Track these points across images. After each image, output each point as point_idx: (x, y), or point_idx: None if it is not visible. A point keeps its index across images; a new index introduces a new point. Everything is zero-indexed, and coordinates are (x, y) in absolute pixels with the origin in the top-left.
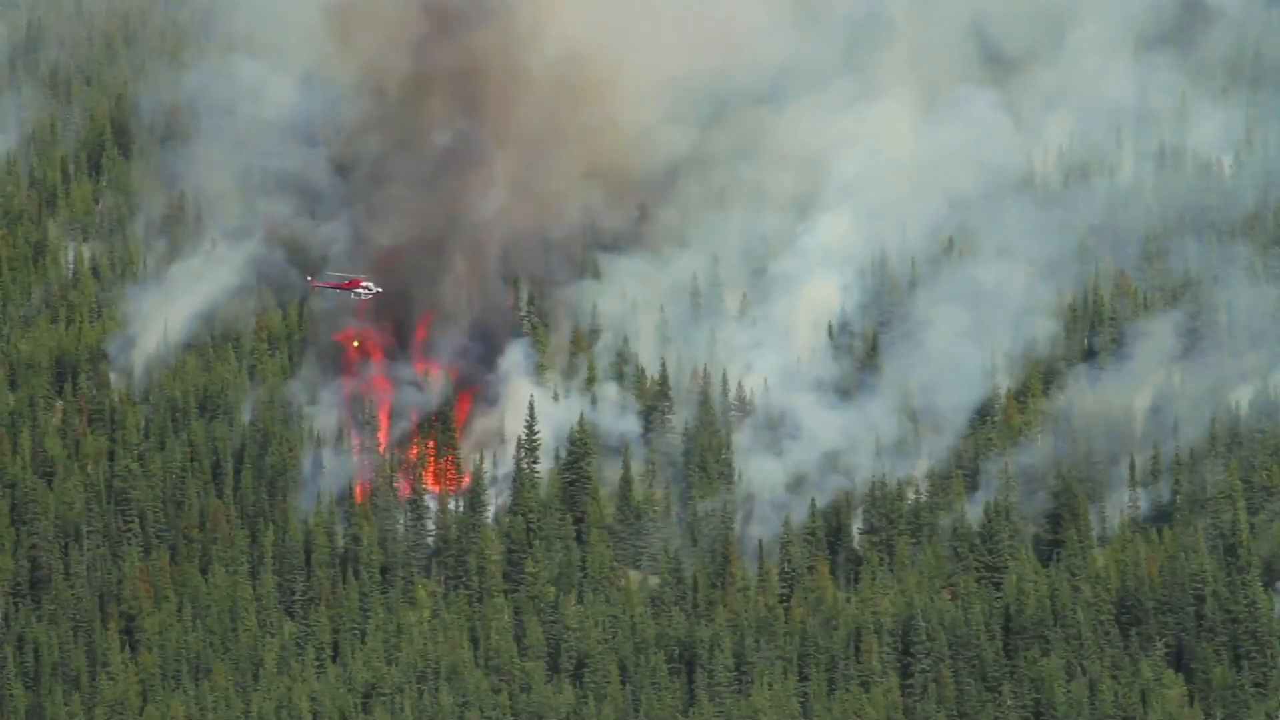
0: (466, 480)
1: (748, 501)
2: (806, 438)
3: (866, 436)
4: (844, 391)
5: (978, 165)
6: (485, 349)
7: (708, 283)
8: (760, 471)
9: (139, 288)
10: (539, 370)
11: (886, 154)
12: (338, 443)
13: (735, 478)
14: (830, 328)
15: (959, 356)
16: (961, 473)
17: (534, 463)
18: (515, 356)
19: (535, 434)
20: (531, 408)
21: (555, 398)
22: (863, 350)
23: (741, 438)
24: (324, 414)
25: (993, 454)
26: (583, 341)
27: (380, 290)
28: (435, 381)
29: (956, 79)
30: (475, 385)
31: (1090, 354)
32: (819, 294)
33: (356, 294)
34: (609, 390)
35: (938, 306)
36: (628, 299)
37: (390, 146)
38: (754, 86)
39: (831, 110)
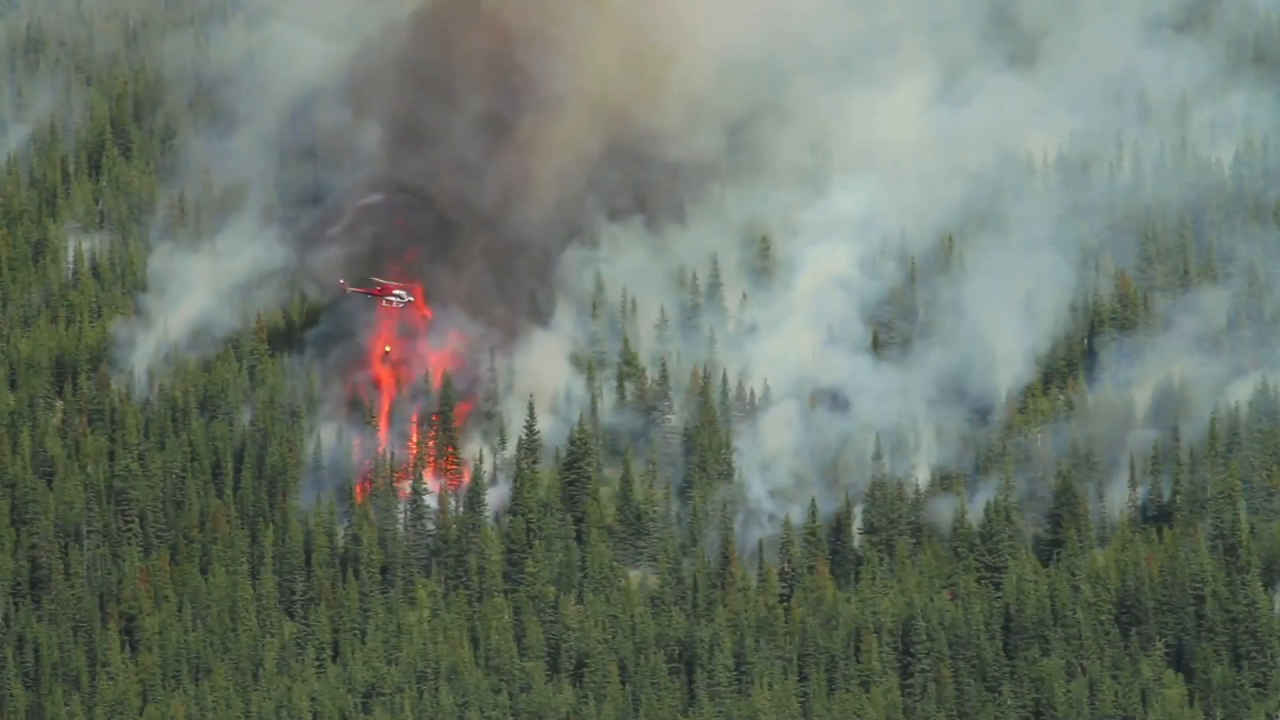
0: (467, 478)
1: (746, 495)
2: (808, 434)
3: (868, 433)
4: (846, 386)
5: (990, 150)
6: (490, 340)
7: (709, 273)
8: (760, 468)
9: (139, 286)
10: (543, 350)
11: (898, 134)
12: (345, 417)
13: (735, 476)
14: (835, 321)
15: (961, 354)
16: (962, 472)
17: (534, 463)
18: (519, 352)
19: (535, 433)
20: (531, 408)
21: (558, 395)
22: (868, 344)
23: (741, 435)
24: (327, 402)
25: (993, 453)
26: (585, 351)
27: (412, 299)
28: (436, 378)
29: (975, 59)
30: (477, 380)
31: (1091, 352)
32: (823, 278)
33: (388, 300)
34: (609, 389)
35: (940, 301)
36: (628, 297)
37: (418, 111)
38: (771, 63)
39: (848, 88)
